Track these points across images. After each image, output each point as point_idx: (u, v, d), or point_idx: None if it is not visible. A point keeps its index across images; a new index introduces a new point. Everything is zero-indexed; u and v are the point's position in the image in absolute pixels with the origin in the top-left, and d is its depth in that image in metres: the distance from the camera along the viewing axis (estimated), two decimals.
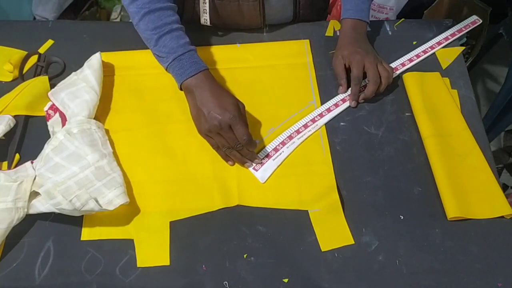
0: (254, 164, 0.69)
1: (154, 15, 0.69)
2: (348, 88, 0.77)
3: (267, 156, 0.70)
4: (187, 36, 0.71)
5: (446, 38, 0.84)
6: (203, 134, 0.69)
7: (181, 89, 0.70)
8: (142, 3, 0.68)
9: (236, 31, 0.85)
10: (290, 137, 0.72)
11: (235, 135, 0.66)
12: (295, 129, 0.73)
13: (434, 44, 0.83)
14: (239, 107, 0.67)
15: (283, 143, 0.71)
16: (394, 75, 0.79)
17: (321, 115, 0.74)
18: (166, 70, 0.71)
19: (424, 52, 0.82)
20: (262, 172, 0.69)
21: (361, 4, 0.78)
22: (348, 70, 0.76)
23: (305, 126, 0.73)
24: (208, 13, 0.80)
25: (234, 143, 0.66)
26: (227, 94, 0.68)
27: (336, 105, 0.76)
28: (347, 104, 0.76)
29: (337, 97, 0.77)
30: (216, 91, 0.67)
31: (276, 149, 0.71)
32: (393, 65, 0.81)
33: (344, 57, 0.76)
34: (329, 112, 0.75)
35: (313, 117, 0.74)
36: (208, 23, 0.81)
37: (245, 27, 0.84)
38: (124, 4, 0.71)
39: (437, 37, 0.85)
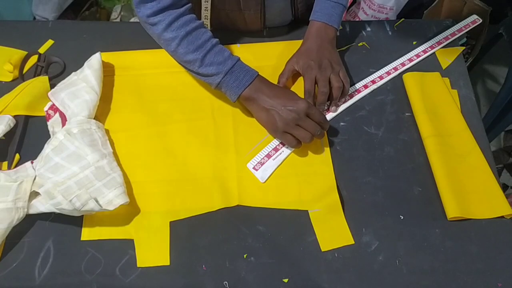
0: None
1: (192, 36, 0.68)
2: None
3: (267, 155, 0.70)
4: (225, 48, 0.71)
5: (446, 38, 0.84)
6: (280, 133, 0.68)
7: (234, 100, 0.70)
8: (177, 26, 0.67)
9: (236, 32, 0.85)
10: None
11: (314, 120, 0.66)
12: None
13: (434, 44, 0.83)
14: (298, 96, 0.69)
15: (283, 143, 0.71)
16: (395, 74, 0.79)
17: None
18: (217, 87, 0.70)
19: (424, 52, 0.82)
20: (262, 171, 0.69)
21: (330, 9, 0.76)
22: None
23: None
24: (209, 20, 0.80)
25: (314, 129, 0.66)
26: (287, 90, 0.71)
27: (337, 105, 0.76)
28: (346, 104, 0.76)
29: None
30: (277, 90, 0.69)
31: (276, 149, 0.71)
32: (393, 65, 0.81)
33: (299, 67, 0.75)
34: (328, 113, 0.75)
35: None
36: (208, 28, 0.81)
37: (246, 31, 0.84)
38: (157, 33, 0.69)
39: (437, 36, 0.85)
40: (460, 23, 0.87)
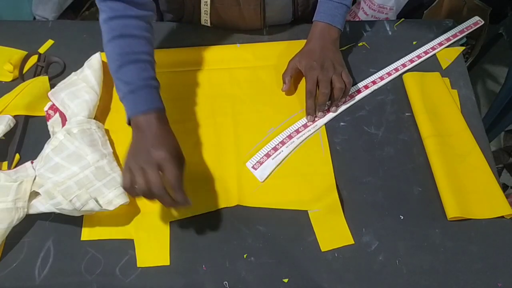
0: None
1: (124, 41, 0.62)
2: (288, 86, 0.76)
3: (266, 155, 0.70)
4: (153, 71, 0.64)
5: (448, 39, 0.84)
6: (126, 167, 0.58)
7: (129, 124, 0.62)
8: (116, 25, 0.62)
9: (236, 32, 0.85)
10: (290, 137, 0.72)
11: (165, 176, 0.56)
12: (295, 129, 0.73)
13: (435, 45, 0.83)
14: (178, 154, 0.60)
15: (282, 143, 0.71)
16: (395, 75, 0.79)
17: (319, 117, 0.74)
18: (121, 100, 0.63)
19: (425, 53, 0.82)
20: (261, 171, 0.69)
21: (334, 9, 0.75)
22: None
23: (305, 126, 0.73)
24: (208, 15, 0.80)
25: (153, 186, 0.55)
26: (173, 138, 0.61)
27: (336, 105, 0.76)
28: (347, 105, 0.76)
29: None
30: (163, 132, 0.60)
31: (275, 148, 0.71)
32: (394, 65, 0.81)
33: (301, 66, 0.74)
34: (328, 113, 0.75)
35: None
36: (209, 24, 0.81)
37: (245, 28, 0.84)
38: (99, 20, 0.64)
39: (439, 38, 0.84)
40: (462, 24, 0.87)
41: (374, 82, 0.79)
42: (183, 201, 0.57)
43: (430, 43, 0.84)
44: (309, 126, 0.73)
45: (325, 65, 0.73)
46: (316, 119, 0.74)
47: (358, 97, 0.77)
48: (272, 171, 0.69)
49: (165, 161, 0.56)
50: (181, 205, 0.57)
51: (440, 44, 0.83)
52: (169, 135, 0.61)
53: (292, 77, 0.76)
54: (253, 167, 0.69)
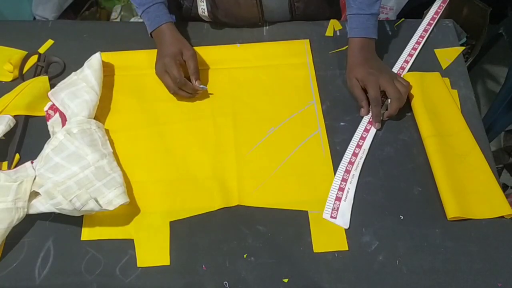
0: None
1: None
2: (369, 109, 0.74)
3: (337, 199, 0.66)
4: None
5: (425, 30, 0.86)
6: (157, 73, 0.76)
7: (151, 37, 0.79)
8: None
9: (235, 27, 0.85)
10: (347, 171, 0.69)
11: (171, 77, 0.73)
12: (347, 161, 0.70)
13: (418, 39, 0.84)
14: (175, 54, 0.74)
15: (344, 180, 0.68)
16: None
17: (362, 138, 0.72)
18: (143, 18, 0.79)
19: (414, 49, 0.83)
20: (341, 217, 0.65)
21: (366, 22, 0.76)
22: (365, 91, 0.74)
23: (355, 155, 0.71)
24: (205, 2, 0.80)
25: (169, 88, 0.74)
26: (174, 44, 0.75)
27: (370, 122, 0.74)
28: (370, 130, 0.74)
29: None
30: (167, 40, 0.76)
31: (341, 189, 0.67)
32: (395, 67, 0.81)
33: (359, 80, 0.74)
34: (368, 132, 0.73)
35: (356, 142, 0.72)
36: (206, 13, 0.81)
37: (243, 19, 0.84)
38: None
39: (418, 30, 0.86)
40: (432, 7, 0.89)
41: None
42: (199, 86, 0.74)
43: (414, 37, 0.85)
44: (358, 153, 0.71)
45: (382, 74, 0.72)
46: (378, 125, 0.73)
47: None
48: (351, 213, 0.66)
49: (167, 67, 0.73)
50: (199, 89, 0.75)
51: (423, 34, 0.85)
52: (175, 39, 0.76)
53: (366, 98, 0.74)
54: (331, 217, 0.65)
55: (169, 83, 0.73)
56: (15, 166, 0.68)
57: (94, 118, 0.72)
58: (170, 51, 0.74)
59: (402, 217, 0.65)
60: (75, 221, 0.64)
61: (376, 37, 0.77)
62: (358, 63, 0.75)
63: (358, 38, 0.76)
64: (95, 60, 0.75)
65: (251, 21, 0.85)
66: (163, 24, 0.76)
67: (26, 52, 0.81)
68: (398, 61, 0.82)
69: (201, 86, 0.74)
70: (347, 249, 0.63)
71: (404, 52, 0.83)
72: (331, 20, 0.87)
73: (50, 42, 0.84)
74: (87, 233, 0.64)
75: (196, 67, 0.75)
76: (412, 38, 0.85)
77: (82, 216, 0.65)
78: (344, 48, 0.83)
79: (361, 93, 0.74)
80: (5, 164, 0.69)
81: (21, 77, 0.79)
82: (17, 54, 0.80)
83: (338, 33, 0.86)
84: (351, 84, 0.76)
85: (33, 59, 0.81)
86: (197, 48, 0.82)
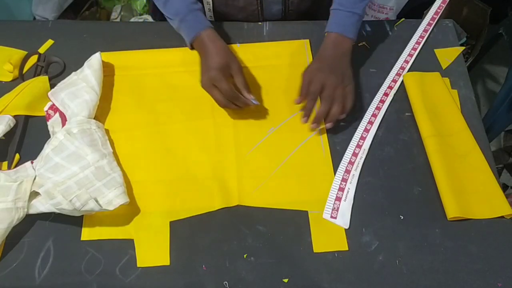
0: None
1: None
2: (303, 100, 0.72)
3: (337, 199, 0.67)
4: None
5: (425, 30, 0.85)
6: (203, 87, 0.71)
7: (188, 47, 0.76)
8: None
9: (235, 20, 0.85)
10: (347, 171, 0.69)
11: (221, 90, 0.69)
12: (347, 161, 0.70)
13: (418, 39, 0.84)
14: (224, 67, 0.69)
15: (344, 180, 0.68)
16: (398, 79, 0.79)
17: (362, 138, 0.72)
18: (178, 31, 0.76)
19: (414, 49, 0.83)
20: (341, 217, 0.65)
21: (344, 18, 0.73)
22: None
23: (355, 154, 0.71)
24: None
25: (219, 103, 0.70)
26: (219, 54, 0.70)
27: (371, 122, 0.74)
28: (381, 115, 0.75)
29: (367, 114, 0.75)
30: (210, 51, 0.71)
31: (341, 189, 0.67)
32: (395, 67, 0.81)
33: (311, 72, 0.71)
34: (368, 132, 0.73)
35: (356, 142, 0.72)
36: (211, 5, 0.81)
37: (242, 10, 0.84)
38: None
39: (417, 30, 0.86)
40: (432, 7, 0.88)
41: (375, 115, 0.75)
42: (243, 104, 0.71)
43: (413, 37, 0.85)
44: (358, 153, 0.71)
45: (334, 73, 0.70)
46: (313, 126, 0.71)
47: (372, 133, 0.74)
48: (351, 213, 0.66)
49: (215, 81, 0.68)
50: (251, 103, 0.71)
51: (422, 36, 0.85)
52: (216, 51, 0.71)
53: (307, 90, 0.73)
54: (331, 217, 0.65)
55: (218, 97, 0.69)
56: (15, 166, 0.68)
57: (94, 118, 0.72)
58: (217, 64, 0.69)
59: (402, 217, 0.65)
60: (75, 221, 0.64)
61: (353, 37, 0.73)
62: (321, 58, 0.72)
63: (333, 33, 0.73)
64: (95, 60, 0.75)
65: (250, 12, 0.84)
66: (204, 30, 0.72)
67: (26, 52, 0.81)
68: (398, 61, 0.82)
69: (253, 99, 0.71)
70: (347, 249, 0.63)
71: (404, 52, 0.83)
72: None
73: (50, 42, 0.84)
74: (87, 233, 0.64)
75: (245, 80, 0.72)
76: (412, 38, 0.85)
77: (82, 216, 0.65)
78: None
79: (306, 85, 0.71)
80: (5, 164, 0.69)
81: (21, 77, 0.79)
82: (17, 54, 0.80)
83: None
84: (304, 73, 0.72)
85: (33, 59, 0.81)
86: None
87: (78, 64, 0.77)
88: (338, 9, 0.74)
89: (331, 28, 0.74)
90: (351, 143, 0.72)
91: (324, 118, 0.70)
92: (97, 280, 0.61)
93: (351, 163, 0.70)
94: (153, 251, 0.63)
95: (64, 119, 0.71)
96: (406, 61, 0.81)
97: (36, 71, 0.80)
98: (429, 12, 0.89)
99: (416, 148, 0.72)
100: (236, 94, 0.69)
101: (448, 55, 0.82)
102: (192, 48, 0.75)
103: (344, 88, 0.70)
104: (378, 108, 0.76)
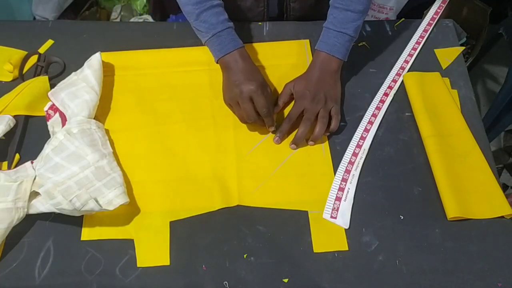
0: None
1: None
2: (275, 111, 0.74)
3: (337, 199, 0.67)
4: (226, 13, 0.73)
5: (425, 30, 0.85)
6: (226, 102, 0.73)
7: (217, 62, 0.74)
8: None
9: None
10: (347, 171, 0.69)
11: (255, 107, 0.69)
12: (347, 161, 0.70)
13: (418, 39, 0.84)
14: (264, 85, 0.70)
15: (344, 180, 0.68)
16: (398, 79, 0.79)
17: (362, 138, 0.72)
18: (204, 44, 0.74)
19: (414, 49, 0.83)
20: (341, 217, 0.65)
21: (333, 38, 0.72)
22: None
23: (355, 154, 0.71)
24: None
25: (247, 115, 0.69)
26: (257, 72, 0.72)
27: (371, 122, 0.74)
28: (381, 115, 0.75)
29: (367, 114, 0.75)
30: (248, 68, 0.71)
31: (341, 189, 0.67)
32: (395, 67, 0.81)
33: (294, 92, 0.73)
34: (368, 132, 0.73)
35: (356, 142, 0.72)
36: None
37: (249, 10, 0.84)
38: None
39: (417, 30, 0.86)
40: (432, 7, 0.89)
41: (373, 117, 0.75)
42: (271, 124, 0.71)
43: (413, 38, 0.85)
44: (358, 153, 0.71)
45: (316, 97, 0.70)
46: (291, 146, 0.71)
47: (372, 134, 0.73)
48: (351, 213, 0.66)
49: (254, 93, 0.68)
50: (270, 126, 0.71)
51: (422, 36, 0.85)
52: (254, 69, 0.72)
53: (286, 101, 0.75)
54: (331, 217, 0.65)
55: (250, 111, 0.68)
56: (15, 166, 0.68)
57: (94, 118, 0.72)
58: (258, 80, 0.69)
59: (402, 217, 0.65)
60: (75, 221, 0.64)
61: (342, 57, 0.73)
62: (307, 78, 0.73)
63: (322, 52, 0.73)
64: (95, 60, 0.75)
65: (256, 13, 0.85)
66: (237, 48, 0.71)
67: (26, 52, 0.81)
68: (398, 61, 0.82)
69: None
70: (347, 249, 0.63)
71: (404, 52, 0.83)
72: None
73: (50, 42, 0.84)
74: (87, 233, 0.64)
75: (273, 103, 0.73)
76: (412, 38, 0.85)
77: (82, 216, 0.65)
78: None
79: (286, 95, 0.74)
80: (5, 164, 0.69)
81: (21, 77, 0.79)
82: (17, 54, 0.80)
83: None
84: (287, 85, 0.75)
85: (33, 59, 0.81)
86: (197, 48, 0.82)
87: (78, 64, 0.77)
88: (329, 28, 0.73)
89: (320, 47, 0.74)
90: (351, 143, 0.72)
91: (306, 139, 0.72)
92: (97, 280, 0.61)
93: (351, 163, 0.70)
94: (153, 251, 0.63)
95: (64, 119, 0.71)
96: (406, 61, 0.81)
97: (36, 71, 0.80)
98: (429, 12, 0.89)
99: (416, 148, 0.72)
100: (270, 110, 0.70)
101: (448, 55, 0.82)
102: (217, 62, 0.74)
103: (326, 111, 0.71)
104: (378, 108, 0.76)
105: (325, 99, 0.71)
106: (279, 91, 0.78)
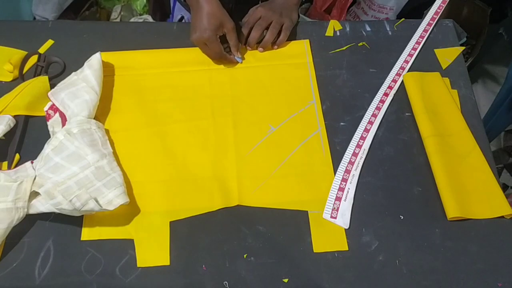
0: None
1: None
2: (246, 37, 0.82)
3: (337, 199, 0.67)
4: None
5: (425, 30, 0.85)
6: (193, 41, 0.77)
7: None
8: None
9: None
10: (347, 171, 0.69)
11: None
12: (347, 161, 0.70)
13: (418, 39, 0.84)
14: (218, 27, 0.75)
15: (344, 180, 0.68)
16: (398, 79, 0.79)
17: (362, 138, 0.72)
18: None
19: (414, 49, 0.83)
20: (341, 217, 0.65)
21: None
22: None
23: (355, 155, 0.71)
24: None
25: (212, 57, 0.79)
26: (216, 15, 0.74)
27: (371, 122, 0.74)
28: (381, 115, 0.75)
29: (367, 114, 0.75)
30: (207, 11, 0.74)
31: (341, 189, 0.67)
32: (395, 67, 0.81)
33: (255, 8, 0.81)
34: (368, 132, 0.73)
35: (356, 142, 0.72)
36: None
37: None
38: None
39: (417, 31, 0.86)
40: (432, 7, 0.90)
41: (374, 116, 0.75)
42: (233, 60, 0.80)
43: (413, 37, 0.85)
44: (358, 153, 0.71)
45: (273, 9, 0.79)
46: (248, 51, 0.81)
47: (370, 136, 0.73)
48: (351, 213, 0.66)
49: (207, 41, 0.75)
50: (235, 61, 0.80)
51: (422, 36, 0.85)
52: (216, 11, 0.74)
53: (250, 24, 0.81)
54: (331, 217, 0.65)
55: (209, 54, 0.78)
56: (15, 166, 0.68)
57: (94, 118, 0.72)
58: (211, 24, 0.74)
59: (402, 217, 0.65)
60: (75, 221, 0.64)
61: None
62: (272, 1, 0.82)
63: None
64: (95, 60, 0.75)
65: None
66: None
67: (26, 52, 0.81)
68: (398, 61, 0.82)
69: (239, 58, 0.80)
70: (347, 249, 0.63)
71: (404, 52, 0.83)
72: (331, 20, 0.87)
73: (50, 42, 0.84)
74: (87, 233, 0.64)
75: (237, 40, 0.79)
76: (412, 38, 0.85)
77: (82, 216, 0.65)
78: (344, 48, 0.83)
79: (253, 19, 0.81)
80: (5, 164, 0.69)
81: (21, 77, 0.79)
82: (17, 54, 0.80)
83: (338, 33, 0.86)
84: (252, 9, 0.82)
85: (33, 59, 0.81)
86: (197, 48, 0.81)
87: (78, 64, 0.77)
88: None
89: None
90: (351, 143, 0.72)
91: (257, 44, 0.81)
92: (97, 280, 0.61)
93: (351, 163, 0.70)
94: (153, 251, 0.63)
95: (64, 119, 0.71)
96: (406, 61, 0.81)
97: (36, 71, 0.80)
98: (429, 12, 0.89)
99: (416, 148, 0.72)
100: (224, 55, 0.78)
101: (448, 55, 0.82)
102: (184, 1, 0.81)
103: (279, 23, 0.79)
104: (378, 108, 0.76)
105: (281, 13, 0.80)
106: (279, 91, 0.78)
